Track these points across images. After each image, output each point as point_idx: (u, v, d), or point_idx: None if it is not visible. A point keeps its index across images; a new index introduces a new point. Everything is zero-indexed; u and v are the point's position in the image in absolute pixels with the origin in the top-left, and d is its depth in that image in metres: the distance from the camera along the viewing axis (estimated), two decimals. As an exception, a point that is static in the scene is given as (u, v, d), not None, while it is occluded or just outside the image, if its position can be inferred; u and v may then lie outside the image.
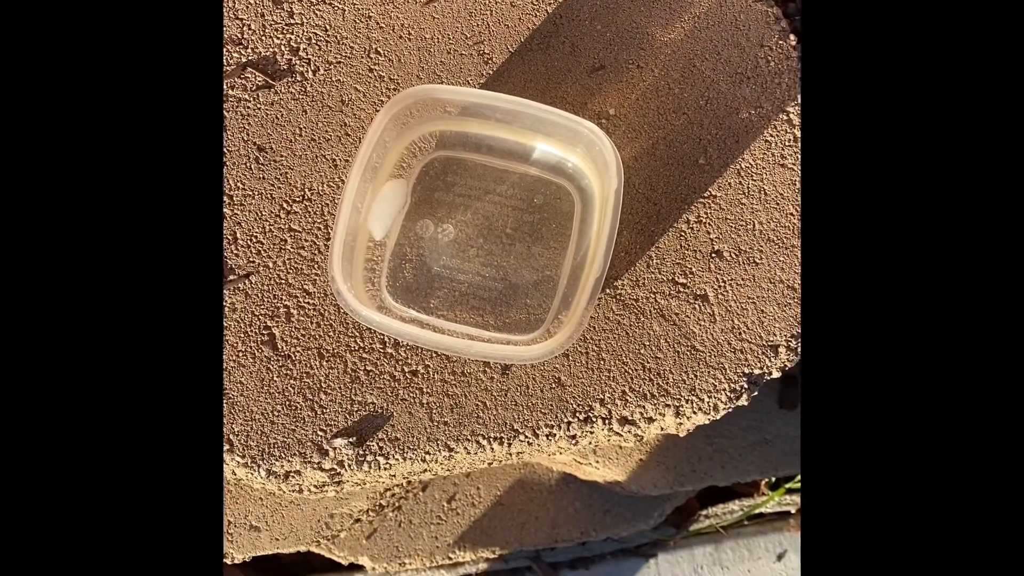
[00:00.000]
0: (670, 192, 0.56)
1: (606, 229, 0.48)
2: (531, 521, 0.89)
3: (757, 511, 0.93)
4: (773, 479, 0.89)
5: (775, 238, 0.54)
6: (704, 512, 0.95)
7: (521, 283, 0.54)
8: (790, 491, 0.89)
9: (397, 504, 0.80)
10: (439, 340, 0.49)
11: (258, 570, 0.85)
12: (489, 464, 0.56)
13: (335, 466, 0.52)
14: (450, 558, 0.88)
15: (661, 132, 0.57)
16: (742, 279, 0.54)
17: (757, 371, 0.53)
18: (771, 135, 0.56)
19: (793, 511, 0.92)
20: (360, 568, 0.84)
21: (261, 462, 0.52)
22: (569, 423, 0.53)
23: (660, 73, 0.58)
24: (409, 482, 0.80)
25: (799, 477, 0.87)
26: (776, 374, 0.53)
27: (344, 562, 0.83)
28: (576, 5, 0.59)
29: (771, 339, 0.53)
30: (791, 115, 0.55)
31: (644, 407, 0.53)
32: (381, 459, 0.52)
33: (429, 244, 0.54)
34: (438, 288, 0.54)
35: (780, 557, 0.92)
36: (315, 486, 0.54)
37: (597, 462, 0.74)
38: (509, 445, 0.53)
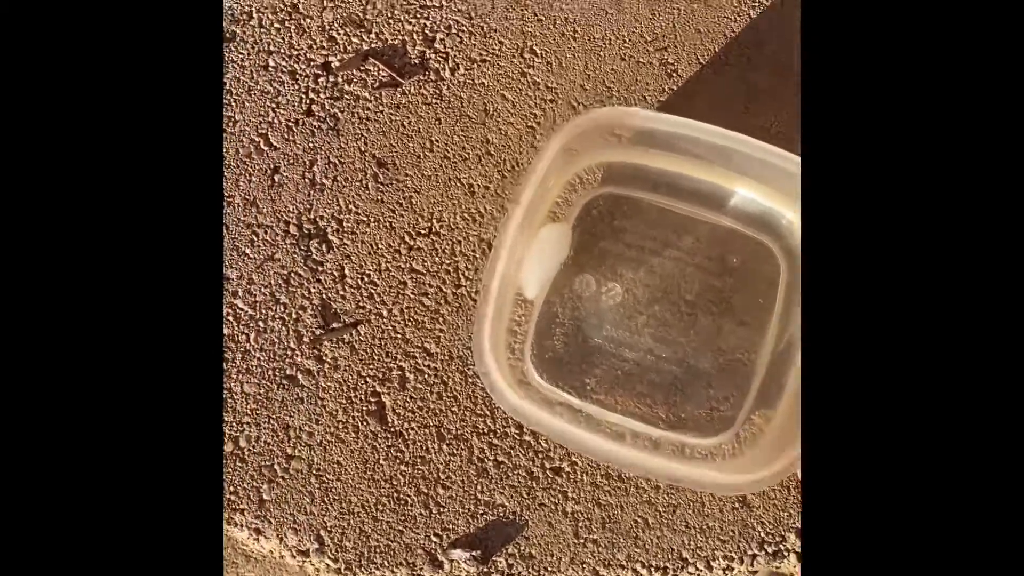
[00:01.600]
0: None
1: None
2: None
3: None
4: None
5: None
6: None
7: (704, 368, 0.42)
8: None
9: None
10: (607, 452, 0.37)
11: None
12: (633, 584, 0.44)
13: (450, 583, 0.41)
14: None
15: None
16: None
17: None
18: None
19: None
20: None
21: (358, 570, 0.41)
22: (754, 556, 0.41)
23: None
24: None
25: None
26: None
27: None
28: (788, 10, 0.47)
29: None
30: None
31: (855, 546, 0.41)
32: (510, 580, 0.41)
33: (589, 306, 0.43)
34: (596, 364, 0.42)
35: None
36: (418, 598, 0.43)
37: None
38: (673, 576, 0.41)
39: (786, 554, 0.41)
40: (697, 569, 0.41)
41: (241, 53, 0.47)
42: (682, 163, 0.43)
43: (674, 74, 0.46)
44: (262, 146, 0.46)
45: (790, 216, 0.42)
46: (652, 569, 0.41)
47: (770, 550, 0.41)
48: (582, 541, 0.41)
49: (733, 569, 0.41)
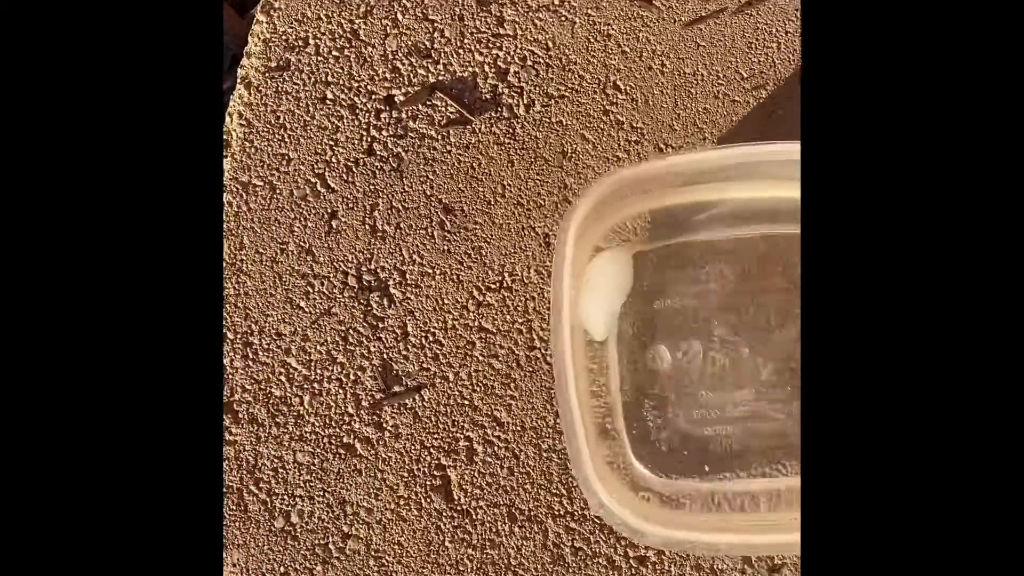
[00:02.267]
0: None
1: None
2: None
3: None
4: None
5: None
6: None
7: None
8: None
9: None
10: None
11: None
12: None
13: None
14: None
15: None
16: None
17: None
18: None
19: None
20: None
21: (419, 666, 0.37)
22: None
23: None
24: None
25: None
26: None
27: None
28: (902, 45, 0.42)
29: None
30: None
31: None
32: None
33: (674, 379, 0.38)
34: (706, 442, 0.38)
35: None
36: None
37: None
38: None
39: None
40: (798, 676, 0.36)
41: (296, 84, 0.43)
42: (711, 191, 0.38)
43: (773, 115, 0.41)
44: (319, 188, 0.42)
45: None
46: (747, 675, 0.37)
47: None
48: (669, 641, 0.37)
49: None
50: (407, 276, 0.41)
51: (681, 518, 0.36)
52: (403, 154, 0.42)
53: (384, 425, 0.39)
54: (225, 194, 0.42)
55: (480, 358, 0.40)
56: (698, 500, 0.37)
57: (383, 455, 0.39)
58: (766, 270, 0.39)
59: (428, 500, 0.38)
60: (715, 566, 0.37)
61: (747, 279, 0.39)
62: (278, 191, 0.42)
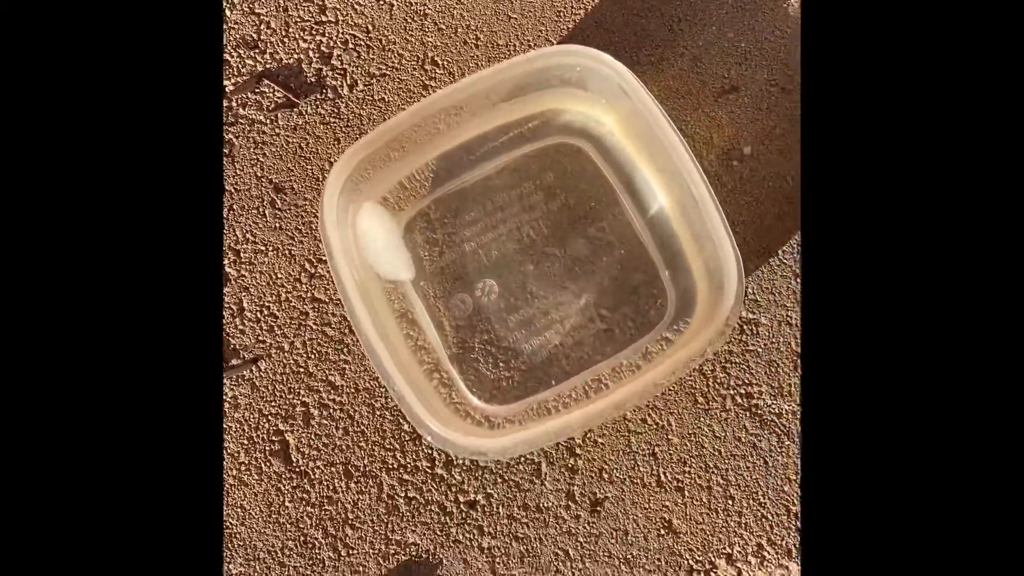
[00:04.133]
0: (826, 265, 0.41)
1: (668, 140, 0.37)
2: None
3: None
4: None
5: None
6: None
7: (611, 277, 0.40)
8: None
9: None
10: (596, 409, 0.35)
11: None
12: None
13: (363, 629, 0.38)
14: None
15: (815, 182, 0.42)
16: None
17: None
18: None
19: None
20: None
21: (264, 620, 0.39)
22: (683, 585, 0.38)
23: (814, 100, 0.43)
24: None
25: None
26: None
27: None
28: (700, 6, 0.45)
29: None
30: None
31: (788, 568, 0.38)
32: (425, 623, 0.38)
33: (482, 316, 0.40)
34: (529, 359, 0.40)
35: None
36: (336, 645, 0.40)
37: None
38: (599, 610, 0.38)
39: (717, 580, 0.38)
40: (623, 601, 0.38)
41: (133, 82, 0.45)
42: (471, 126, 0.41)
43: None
44: (155, 178, 0.44)
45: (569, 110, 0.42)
46: (575, 604, 0.38)
47: (699, 577, 0.38)
48: (500, 578, 0.39)
49: (661, 599, 0.38)
50: (241, 255, 0.43)
51: (514, 432, 0.38)
52: (234, 140, 0.44)
53: (224, 397, 0.41)
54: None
55: (314, 327, 0.42)
56: (531, 411, 0.39)
57: (224, 425, 0.41)
58: (524, 191, 0.42)
59: (268, 464, 0.40)
60: (541, 503, 0.39)
61: (514, 206, 0.41)
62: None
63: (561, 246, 0.41)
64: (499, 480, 0.40)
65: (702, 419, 0.40)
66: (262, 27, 0.45)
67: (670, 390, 0.40)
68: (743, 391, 0.40)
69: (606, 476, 0.39)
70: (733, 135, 0.43)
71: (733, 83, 0.43)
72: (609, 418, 0.39)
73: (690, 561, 0.39)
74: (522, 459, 0.39)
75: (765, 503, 0.39)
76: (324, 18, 0.45)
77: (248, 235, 0.43)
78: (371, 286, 0.39)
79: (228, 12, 0.46)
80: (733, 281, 0.35)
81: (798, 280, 0.41)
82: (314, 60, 0.45)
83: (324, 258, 0.42)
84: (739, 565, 0.38)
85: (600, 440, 0.40)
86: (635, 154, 0.41)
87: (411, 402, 0.35)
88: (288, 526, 0.40)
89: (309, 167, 0.43)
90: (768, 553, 0.38)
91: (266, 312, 0.42)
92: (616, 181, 0.41)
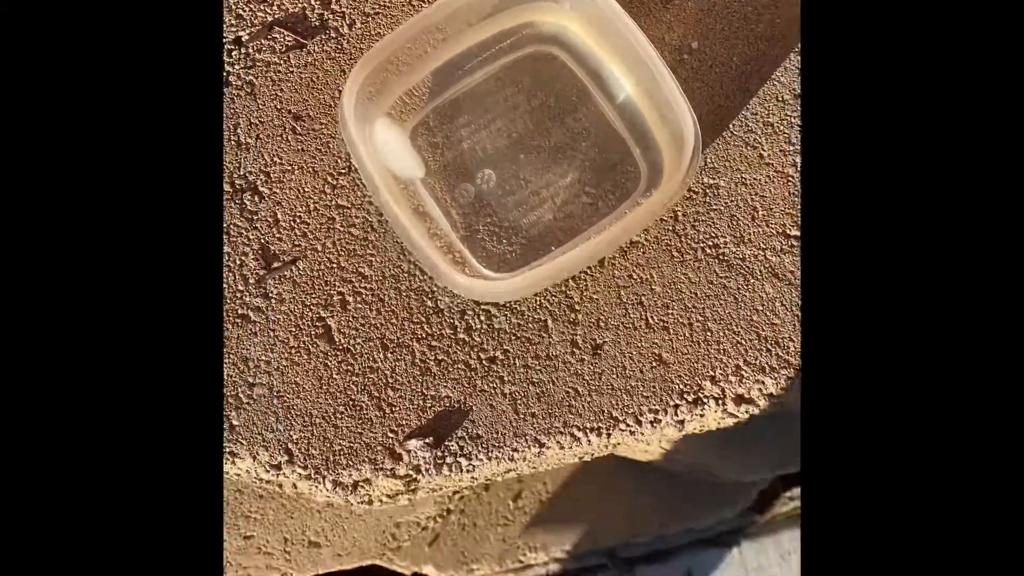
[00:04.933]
0: (770, 134, 0.49)
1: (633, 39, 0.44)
2: (605, 516, 0.82)
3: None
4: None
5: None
6: (788, 494, 0.88)
7: (590, 157, 0.48)
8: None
9: (461, 507, 0.73)
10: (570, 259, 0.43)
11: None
12: (581, 459, 0.49)
13: (411, 471, 0.45)
14: (520, 560, 0.81)
15: (755, 65, 0.49)
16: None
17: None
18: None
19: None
20: (424, 577, 0.78)
21: (326, 472, 0.45)
22: (676, 406, 0.45)
23: (747, -2, 0.50)
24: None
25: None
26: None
27: (407, 572, 0.77)
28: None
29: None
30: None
31: (763, 382, 0.45)
32: (463, 460, 0.45)
33: (484, 202, 0.47)
34: (530, 236, 0.47)
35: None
36: (387, 496, 0.47)
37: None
38: (608, 435, 0.45)
39: (705, 401, 0.46)
40: (627, 425, 0.45)
41: (159, 41, 0.51)
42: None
43: (549, 0, 0.51)
44: (189, 119, 0.50)
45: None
46: (587, 431, 0.45)
47: (690, 399, 0.45)
48: (522, 416, 0.46)
49: (660, 420, 0.45)
50: (271, 175, 0.49)
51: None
52: (254, 80, 0.51)
53: (270, 295, 0.48)
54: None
55: (341, 229, 0.48)
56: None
57: (272, 318, 0.47)
58: (520, 87, 0.49)
59: (315, 345, 0.47)
60: (550, 352, 0.46)
61: (506, 104, 0.49)
62: (155, 127, 0.50)
63: (545, 137, 0.48)
64: (513, 338, 0.47)
65: (679, 269, 0.47)
66: (267, -17, 0.52)
67: (650, 249, 0.47)
68: (711, 243, 0.47)
69: (603, 324, 0.46)
70: (682, 34, 0.50)
71: (677, -9, 0.51)
72: (597, 258, 0.46)
73: (680, 386, 0.46)
74: (531, 318, 0.46)
75: (739, 331, 0.46)
76: (321, -30, 0.52)
77: (275, 158, 0.49)
78: (390, 186, 0.46)
79: (236, -26, 0.52)
80: (691, 136, 0.42)
81: (749, 148, 0.48)
82: (316, 7, 0.52)
83: (344, 172, 0.49)
84: (721, 384, 0.46)
85: (595, 296, 0.47)
86: (601, 52, 0.48)
87: (437, 261, 0.42)
88: (338, 394, 0.46)
89: (321, 96, 0.50)
90: (745, 372, 0.46)
91: (299, 220, 0.49)
92: (587, 78, 0.48)
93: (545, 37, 0.49)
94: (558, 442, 0.45)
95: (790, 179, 0.48)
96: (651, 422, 0.45)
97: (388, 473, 0.45)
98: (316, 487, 0.46)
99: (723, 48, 0.50)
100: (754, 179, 0.48)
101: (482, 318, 0.47)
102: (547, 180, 0.47)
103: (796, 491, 0.87)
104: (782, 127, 0.49)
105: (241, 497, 0.68)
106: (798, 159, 0.48)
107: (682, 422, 0.46)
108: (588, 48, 0.48)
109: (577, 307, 0.47)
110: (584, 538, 0.82)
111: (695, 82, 0.49)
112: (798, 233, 0.47)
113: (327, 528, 0.65)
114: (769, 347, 0.46)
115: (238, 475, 0.46)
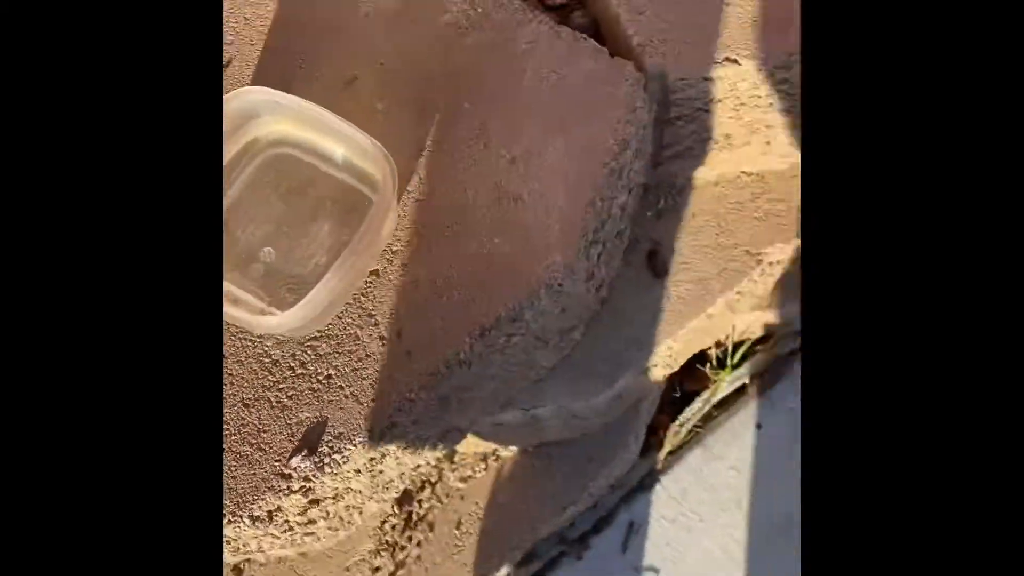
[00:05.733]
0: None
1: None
2: (535, 505, 0.93)
3: (719, 398, 1.00)
4: (715, 361, 0.96)
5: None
6: (676, 423, 1.01)
7: (336, 208, 0.61)
8: (735, 366, 0.96)
9: (403, 543, 0.84)
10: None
11: None
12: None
13: (303, 483, 0.57)
14: (484, 576, 0.91)
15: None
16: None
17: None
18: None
19: (747, 381, 0.99)
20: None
21: (241, 512, 0.57)
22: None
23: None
24: (408, 521, 0.84)
25: (738, 351, 0.95)
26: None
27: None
28: (303, 24, 0.69)
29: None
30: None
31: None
32: (337, 456, 0.58)
33: (274, 271, 0.61)
34: (316, 277, 0.61)
35: (759, 427, 0.99)
36: (297, 515, 0.58)
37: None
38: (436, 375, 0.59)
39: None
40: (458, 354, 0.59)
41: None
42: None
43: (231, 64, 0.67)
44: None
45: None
46: (418, 391, 0.59)
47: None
48: (365, 405, 0.59)
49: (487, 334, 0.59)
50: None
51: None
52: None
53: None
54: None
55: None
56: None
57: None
58: (271, 182, 0.64)
59: (195, 429, 0.59)
60: (367, 350, 0.60)
61: (263, 194, 0.63)
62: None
63: (299, 208, 0.63)
64: (336, 355, 0.60)
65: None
66: None
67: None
68: (447, 227, 0.63)
69: (401, 314, 0.61)
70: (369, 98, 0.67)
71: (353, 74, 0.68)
72: (355, 267, 0.60)
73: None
74: (344, 335, 0.60)
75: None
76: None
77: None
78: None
79: None
80: (382, 160, 0.58)
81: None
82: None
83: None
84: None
85: (385, 298, 0.61)
86: (311, 135, 0.64)
87: (248, 319, 0.56)
88: (226, 453, 0.58)
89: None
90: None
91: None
92: (310, 156, 0.64)
93: (273, 143, 0.65)
94: (400, 410, 0.58)
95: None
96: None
97: (287, 492, 0.57)
98: (239, 529, 0.57)
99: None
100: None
101: (309, 353, 0.60)
102: (311, 236, 0.62)
103: (681, 417, 1.00)
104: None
105: None
106: (480, 146, 0.64)
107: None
108: (302, 137, 0.64)
109: (374, 312, 0.61)
110: (527, 533, 0.93)
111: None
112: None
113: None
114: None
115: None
